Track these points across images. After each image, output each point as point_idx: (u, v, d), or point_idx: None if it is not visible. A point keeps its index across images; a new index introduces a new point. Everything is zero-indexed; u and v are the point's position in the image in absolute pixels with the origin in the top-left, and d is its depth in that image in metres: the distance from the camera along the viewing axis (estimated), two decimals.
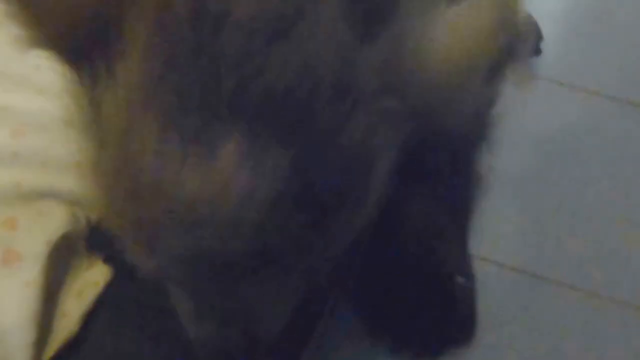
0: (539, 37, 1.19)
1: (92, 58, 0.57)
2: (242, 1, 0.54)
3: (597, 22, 1.29)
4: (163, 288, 0.71)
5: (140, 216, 0.58)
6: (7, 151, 0.85)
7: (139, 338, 0.84)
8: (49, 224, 0.83)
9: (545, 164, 1.12)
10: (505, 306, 0.99)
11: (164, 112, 0.55)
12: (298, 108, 0.55)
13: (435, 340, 0.95)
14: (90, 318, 0.84)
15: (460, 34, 0.58)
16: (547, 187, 1.09)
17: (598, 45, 1.25)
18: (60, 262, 0.84)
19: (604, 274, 1.02)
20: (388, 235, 0.90)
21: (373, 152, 0.59)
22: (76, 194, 0.84)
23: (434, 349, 0.95)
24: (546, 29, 1.20)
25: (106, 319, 0.85)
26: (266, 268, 0.60)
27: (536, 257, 1.03)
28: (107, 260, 0.87)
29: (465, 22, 0.58)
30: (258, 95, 0.54)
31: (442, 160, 0.84)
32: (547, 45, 1.21)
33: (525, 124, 1.14)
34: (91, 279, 0.85)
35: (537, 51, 1.20)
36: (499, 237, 1.04)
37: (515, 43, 0.63)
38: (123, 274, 0.86)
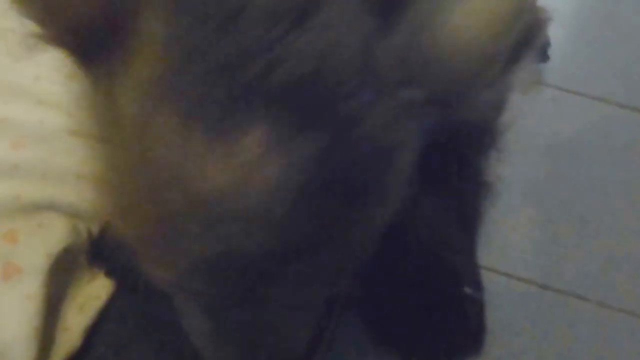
0: (546, 43, 1.19)
1: (107, 54, 0.56)
2: None
3: (604, 29, 1.29)
4: (170, 304, 0.70)
5: (162, 216, 0.56)
6: (7, 163, 0.84)
7: (142, 352, 0.83)
8: (49, 237, 0.82)
9: (554, 172, 1.11)
10: (514, 317, 0.97)
11: (185, 104, 0.53)
12: (322, 96, 0.54)
13: (443, 351, 0.94)
14: (92, 332, 0.83)
15: (478, 20, 0.57)
16: (556, 196, 1.08)
17: (605, 52, 1.25)
18: (61, 275, 0.83)
19: (613, 284, 1.00)
20: (395, 244, 0.89)
21: (397, 142, 0.58)
22: (77, 206, 0.84)
23: None
24: (553, 35, 1.19)
25: (109, 333, 0.84)
26: (293, 268, 0.59)
27: (545, 267, 1.01)
28: (109, 273, 0.86)
29: (482, 8, 0.58)
30: (281, 83, 0.53)
31: (450, 165, 0.83)
32: (554, 51, 1.20)
33: (533, 131, 1.13)
34: (93, 292, 0.85)
35: (545, 58, 1.19)
36: (508, 247, 1.03)
37: (532, 31, 0.63)
38: (125, 287, 0.86)
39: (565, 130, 1.16)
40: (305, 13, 0.54)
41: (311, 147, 0.54)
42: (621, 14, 1.30)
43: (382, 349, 0.94)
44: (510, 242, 1.03)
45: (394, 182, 0.60)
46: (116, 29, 0.55)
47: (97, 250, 0.86)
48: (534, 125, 1.13)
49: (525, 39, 0.61)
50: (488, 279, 0.97)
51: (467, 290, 0.93)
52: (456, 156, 0.82)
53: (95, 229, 0.86)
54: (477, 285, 0.95)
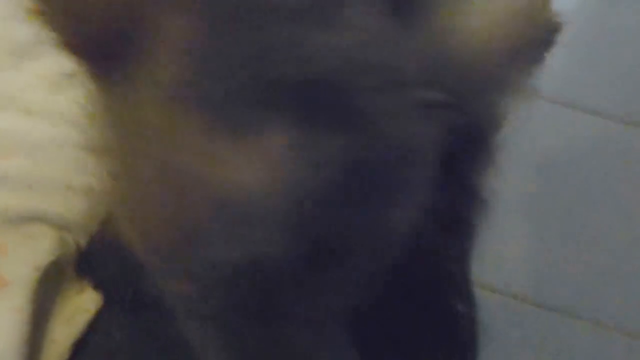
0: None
1: (124, 61, 0.56)
2: None
3: (599, 43, 1.28)
4: (158, 317, 0.69)
5: (185, 224, 0.55)
6: None
7: None
8: (37, 249, 0.81)
9: (547, 187, 1.10)
10: (507, 334, 0.97)
11: (208, 107, 0.53)
12: (345, 95, 0.54)
13: None
14: (80, 345, 0.82)
15: (495, 24, 0.58)
16: (549, 211, 1.08)
17: (599, 65, 1.24)
18: (49, 287, 0.82)
19: (608, 301, 0.99)
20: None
21: (417, 143, 0.58)
22: (65, 218, 0.83)
23: None
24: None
25: (96, 346, 0.83)
26: (316, 276, 0.58)
27: (539, 284, 1.01)
28: (98, 286, 0.85)
29: (499, 12, 0.58)
30: (306, 83, 0.52)
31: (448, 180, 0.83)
32: (548, 65, 1.19)
33: (526, 145, 1.13)
34: (81, 305, 0.84)
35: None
36: (501, 264, 1.02)
37: (548, 34, 0.63)
38: (114, 300, 0.85)
39: (559, 144, 1.15)
40: (329, 11, 0.54)
41: (335, 147, 0.53)
42: (615, 27, 1.30)
43: None
44: (503, 258, 1.02)
45: (415, 183, 0.59)
46: (135, 36, 0.55)
47: (85, 262, 0.85)
48: (527, 139, 1.12)
49: (542, 42, 0.61)
50: (480, 296, 0.97)
51: (459, 306, 0.92)
52: (453, 171, 0.81)
53: (83, 241, 0.85)
54: (470, 302, 0.94)
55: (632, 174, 1.11)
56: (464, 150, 0.79)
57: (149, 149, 0.54)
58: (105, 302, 0.84)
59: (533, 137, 1.14)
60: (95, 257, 0.85)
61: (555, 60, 1.21)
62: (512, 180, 1.07)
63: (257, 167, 0.52)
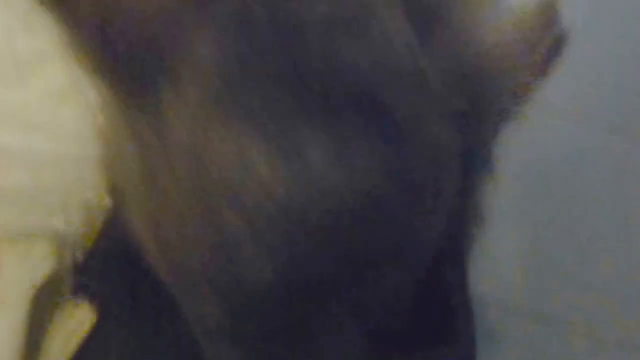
0: None
1: (154, 80, 0.55)
2: (320, 1, 0.54)
3: (590, 51, 1.29)
4: (154, 333, 0.68)
5: (219, 243, 0.55)
6: None
7: None
8: (34, 266, 0.80)
9: (543, 199, 1.11)
10: (506, 347, 0.97)
11: (243, 121, 0.53)
12: (377, 104, 0.54)
13: None
14: None
15: (510, 36, 0.59)
16: (545, 223, 1.08)
17: (592, 75, 1.25)
18: (45, 304, 0.81)
19: (607, 314, 1.00)
20: None
21: (448, 150, 0.59)
22: (63, 233, 0.82)
23: None
24: None
25: None
26: (354, 289, 0.57)
27: (537, 297, 1.01)
28: (94, 301, 0.84)
29: (514, 24, 0.60)
30: (341, 93, 0.53)
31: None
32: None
33: (520, 156, 1.13)
34: (77, 320, 0.83)
35: None
36: (498, 276, 1.02)
37: (559, 44, 0.64)
38: (111, 315, 0.84)
39: (554, 155, 1.16)
40: (361, 22, 0.55)
41: (373, 153, 0.54)
42: (607, 38, 1.31)
43: None
44: (501, 270, 1.02)
45: (445, 189, 0.60)
46: (165, 55, 0.54)
47: (81, 277, 0.84)
48: (521, 150, 1.13)
49: (554, 52, 0.62)
50: (479, 309, 0.97)
51: (458, 321, 0.92)
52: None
53: (80, 256, 0.84)
54: (468, 315, 0.95)
55: (627, 184, 1.13)
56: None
57: (179, 168, 0.54)
58: (101, 317, 0.84)
59: (527, 148, 1.15)
60: (91, 272, 0.84)
61: None
62: (508, 192, 1.08)
63: (295, 181, 0.52)
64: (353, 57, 0.54)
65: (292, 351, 0.60)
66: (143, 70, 0.56)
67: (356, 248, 0.54)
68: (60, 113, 0.84)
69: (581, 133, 1.18)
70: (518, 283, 1.01)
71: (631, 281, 1.03)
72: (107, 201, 0.83)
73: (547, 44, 0.63)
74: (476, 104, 0.59)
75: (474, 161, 0.82)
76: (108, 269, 0.82)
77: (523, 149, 1.15)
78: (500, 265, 1.02)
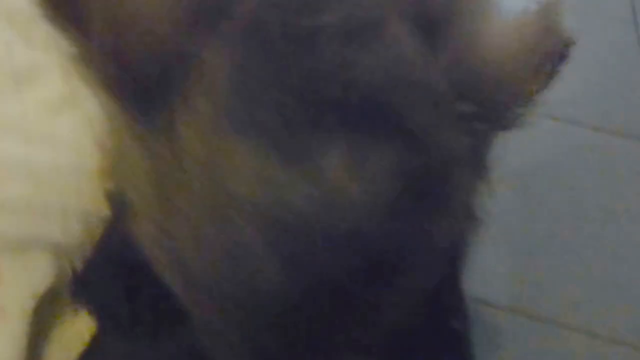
0: None
1: (166, 95, 0.55)
2: (331, 11, 0.54)
3: (577, 52, 1.29)
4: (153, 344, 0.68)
5: (240, 252, 0.54)
6: None
7: None
8: (34, 276, 0.80)
9: (531, 199, 1.11)
10: (501, 348, 0.97)
11: (259, 134, 0.52)
12: (391, 109, 0.54)
13: None
14: None
15: (514, 40, 0.60)
16: (535, 223, 1.09)
17: (579, 75, 1.26)
18: (45, 314, 0.81)
19: (601, 312, 1.01)
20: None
21: (459, 154, 0.59)
22: (62, 243, 0.82)
23: None
24: None
25: None
26: (375, 295, 0.57)
27: (531, 296, 1.02)
28: (93, 310, 0.84)
29: (517, 28, 0.60)
30: (357, 101, 0.53)
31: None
32: None
33: (507, 157, 1.13)
34: (76, 330, 0.83)
35: None
36: (490, 277, 1.03)
37: (563, 49, 0.65)
38: (109, 325, 0.84)
39: (541, 155, 1.16)
40: (373, 32, 0.55)
41: (388, 161, 0.53)
42: (594, 37, 1.32)
43: None
44: (493, 271, 1.03)
45: (460, 192, 0.60)
46: (177, 71, 0.54)
47: (80, 286, 0.84)
48: (509, 151, 1.13)
49: (558, 55, 0.63)
50: (471, 309, 0.97)
51: (454, 323, 0.92)
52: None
53: (79, 265, 0.84)
54: (464, 317, 0.95)
55: (615, 183, 1.13)
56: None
57: (193, 182, 0.54)
58: (100, 327, 0.83)
59: (514, 149, 1.14)
60: (90, 281, 0.84)
61: None
62: (498, 192, 1.08)
63: (314, 191, 0.52)
64: (366, 67, 0.54)
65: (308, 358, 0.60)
66: (154, 85, 0.55)
67: (374, 256, 0.54)
68: (58, 123, 0.84)
69: (569, 132, 1.19)
70: (512, 284, 1.02)
71: (627, 279, 1.03)
72: (106, 211, 0.83)
73: (551, 48, 0.63)
74: (481, 109, 0.59)
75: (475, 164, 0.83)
76: (107, 278, 0.82)
77: (514, 150, 1.16)
78: (492, 267, 1.03)
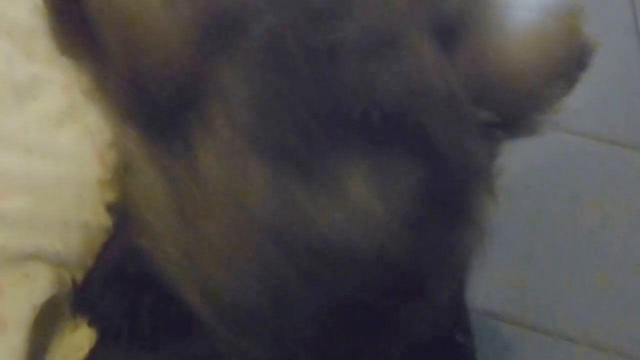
0: None
1: (182, 122, 0.54)
2: (350, 25, 0.53)
3: None
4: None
5: (267, 276, 0.52)
6: None
7: None
8: (35, 288, 0.80)
9: (533, 209, 1.11)
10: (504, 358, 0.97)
11: (280, 156, 0.51)
12: (413, 123, 0.53)
13: None
14: None
15: (532, 46, 0.59)
16: (538, 233, 1.08)
17: (580, 84, 1.25)
18: (46, 326, 0.81)
19: (604, 323, 1.00)
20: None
21: (479, 164, 0.58)
22: (62, 255, 0.82)
23: None
24: None
25: None
26: (400, 311, 0.56)
27: (534, 308, 1.01)
28: (93, 322, 0.84)
29: (536, 34, 0.59)
30: (379, 118, 0.52)
31: None
32: None
33: (508, 166, 1.13)
34: (76, 342, 0.83)
35: None
36: (493, 289, 1.02)
37: (583, 55, 0.64)
38: (109, 336, 0.84)
39: (541, 164, 1.16)
40: (392, 46, 0.54)
41: (412, 178, 0.52)
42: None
43: None
44: (496, 283, 1.02)
45: (480, 201, 0.59)
46: (194, 91, 0.53)
47: (80, 298, 0.84)
48: (509, 161, 1.13)
49: (578, 63, 0.62)
50: (475, 322, 0.97)
51: (458, 336, 0.92)
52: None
53: (79, 277, 0.84)
54: (468, 330, 0.94)
55: (618, 193, 1.13)
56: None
57: (215, 206, 0.53)
58: (100, 338, 0.83)
59: (515, 159, 1.14)
60: (90, 293, 0.83)
61: None
62: (501, 203, 1.08)
63: (337, 212, 0.51)
64: (388, 82, 0.53)
65: None
66: (171, 108, 0.54)
67: (399, 273, 0.54)
68: (59, 136, 0.84)
69: (568, 140, 1.18)
70: (515, 295, 1.01)
71: (631, 291, 1.03)
72: (106, 222, 0.83)
73: (571, 55, 0.62)
74: (500, 117, 0.58)
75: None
76: (107, 290, 0.81)
77: (514, 159, 1.15)
78: (495, 278, 1.02)
